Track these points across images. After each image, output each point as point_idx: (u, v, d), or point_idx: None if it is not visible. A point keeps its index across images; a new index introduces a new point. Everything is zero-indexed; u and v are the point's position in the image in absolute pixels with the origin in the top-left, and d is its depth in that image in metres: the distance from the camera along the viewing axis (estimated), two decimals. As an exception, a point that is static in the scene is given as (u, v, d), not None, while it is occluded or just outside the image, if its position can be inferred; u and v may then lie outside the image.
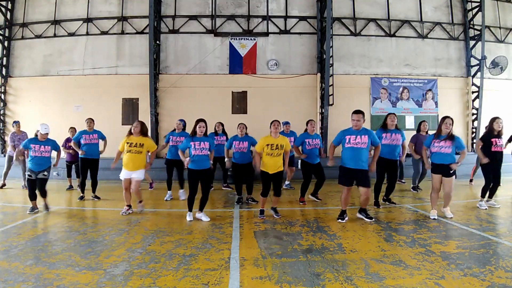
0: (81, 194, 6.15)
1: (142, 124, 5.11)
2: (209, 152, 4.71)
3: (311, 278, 2.74)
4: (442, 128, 4.69)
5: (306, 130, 5.78)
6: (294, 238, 3.83)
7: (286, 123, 7.18)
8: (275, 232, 4.11)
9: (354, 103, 10.37)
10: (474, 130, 10.78)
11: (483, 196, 5.35)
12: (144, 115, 9.96)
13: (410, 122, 10.57)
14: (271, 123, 4.74)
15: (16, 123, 7.71)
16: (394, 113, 5.59)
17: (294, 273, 2.84)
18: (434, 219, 4.59)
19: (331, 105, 10.07)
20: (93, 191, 6.22)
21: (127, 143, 4.94)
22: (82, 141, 6.10)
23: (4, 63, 10.33)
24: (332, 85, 10.09)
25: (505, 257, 3.19)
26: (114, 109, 10.11)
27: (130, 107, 10.28)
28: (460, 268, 2.91)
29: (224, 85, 10.32)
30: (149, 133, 9.61)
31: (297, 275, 2.81)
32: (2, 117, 10.35)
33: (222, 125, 7.36)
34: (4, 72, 10.33)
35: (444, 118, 4.71)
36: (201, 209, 4.69)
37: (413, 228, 4.27)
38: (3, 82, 10.32)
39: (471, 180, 8.02)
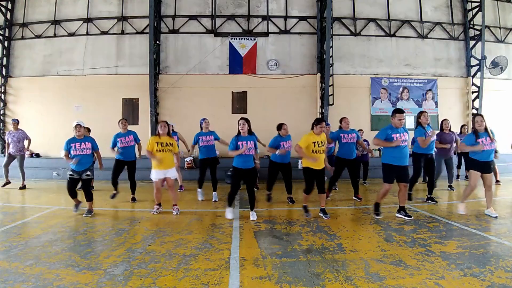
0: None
1: (167, 124, 5.21)
2: (254, 152, 4.72)
3: (311, 278, 2.74)
4: (476, 127, 4.71)
5: (340, 127, 6.05)
6: (294, 238, 3.83)
7: (328, 125, 7.08)
8: (275, 232, 4.11)
9: (354, 103, 10.43)
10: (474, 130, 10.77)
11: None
12: (144, 115, 9.99)
13: (410, 122, 10.57)
14: (314, 123, 4.73)
15: (15, 121, 7.73)
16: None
17: (294, 273, 2.84)
18: (496, 217, 4.65)
19: (331, 105, 10.07)
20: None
21: (157, 143, 4.98)
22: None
23: (4, 63, 10.35)
24: (332, 85, 10.10)
25: (505, 257, 3.18)
26: (114, 109, 10.11)
27: (130, 107, 10.29)
28: (460, 268, 2.91)
29: (224, 85, 10.32)
30: (149, 133, 9.74)
31: (297, 275, 2.81)
32: (2, 117, 10.36)
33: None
34: (4, 72, 10.34)
35: (475, 116, 4.79)
36: (252, 208, 4.79)
37: (413, 228, 4.27)
38: (3, 82, 10.33)
39: (497, 181, 7.65)
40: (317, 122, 4.71)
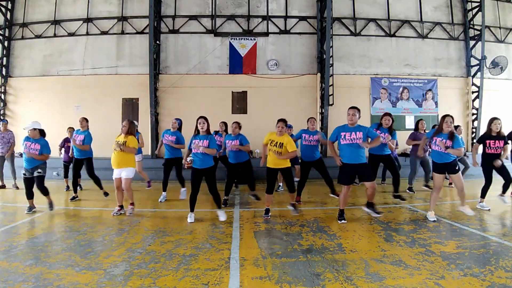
0: (74, 194, 6.21)
1: (130, 123, 5.12)
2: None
3: (311, 278, 2.74)
4: (443, 126, 4.61)
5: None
6: (294, 238, 3.83)
7: (289, 127, 6.98)
8: (275, 232, 4.11)
9: (354, 103, 10.27)
10: (474, 130, 10.79)
11: (482, 196, 5.30)
12: (144, 115, 9.98)
13: (410, 122, 10.57)
14: (277, 123, 4.72)
15: (4, 121, 7.75)
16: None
17: (294, 273, 2.84)
18: (434, 221, 4.54)
19: (331, 105, 10.07)
20: (100, 188, 6.32)
21: (115, 141, 4.99)
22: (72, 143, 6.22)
23: (4, 63, 10.35)
24: (332, 85, 10.10)
25: (505, 257, 3.18)
26: (114, 109, 10.12)
27: (130, 107, 10.29)
28: (460, 268, 2.91)
29: (224, 85, 10.32)
30: (150, 133, 9.74)
31: (297, 275, 2.81)
32: (2, 117, 10.35)
33: (225, 125, 7.07)
34: (4, 72, 10.34)
35: (445, 116, 4.65)
36: (218, 206, 4.76)
37: (413, 228, 4.27)
38: (3, 82, 10.33)
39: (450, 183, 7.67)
40: (277, 121, 4.71)
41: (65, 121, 9.02)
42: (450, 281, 2.65)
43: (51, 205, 5.18)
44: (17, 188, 7.39)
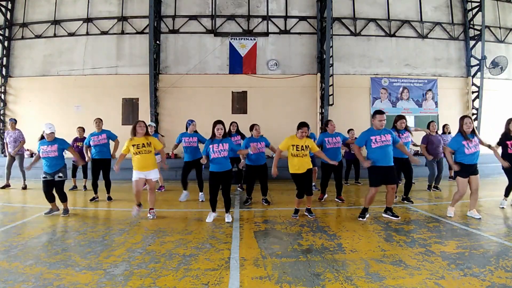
0: (94, 195, 6.09)
1: (145, 124, 4.98)
2: (227, 154, 4.55)
3: (311, 278, 2.73)
4: (464, 129, 4.54)
5: (326, 130, 5.97)
6: (294, 238, 3.83)
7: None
8: (275, 232, 4.11)
9: (354, 103, 10.44)
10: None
11: (506, 195, 5.33)
12: (144, 115, 9.98)
13: (410, 122, 10.56)
14: (300, 127, 4.65)
15: (12, 120, 7.73)
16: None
17: (294, 273, 2.84)
18: (451, 216, 4.64)
19: (331, 105, 10.07)
20: (108, 191, 6.16)
21: (133, 145, 4.71)
22: (92, 143, 6.08)
23: (4, 63, 10.36)
24: (332, 85, 10.10)
25: (505, 257, 3.18)
26: (114, 109, 10.12)
27: (130, 107, 10.29)
28: (460, 268, 2.91)
29: (224, 85, 10.32)
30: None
31: (297, 275, 2.80)
32: (2, 117, 10.36)
33: (237, 125, 7.03)
34: (4, 72, 10.34)
35: (464, 117, 4.59)
36: (227, 210, 4.71)
37: (413, 228, 4.27)
38: (3, 82, 10.33)
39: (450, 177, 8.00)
40: (299, 126, 4.66)
41: (65, 121, 9.03)
42: (450, 281, 2.65)
43: (66, 211, 5.01)
44: (24, 188, 7.36)
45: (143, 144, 4.71)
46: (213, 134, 4.55)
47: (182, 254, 3.32)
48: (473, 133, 4.57)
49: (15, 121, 7.77)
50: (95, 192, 6.11)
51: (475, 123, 10.69)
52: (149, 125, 7.45)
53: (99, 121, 6.21)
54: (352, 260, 3.14)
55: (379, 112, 4.59)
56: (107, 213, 5.12)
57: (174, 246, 3.56)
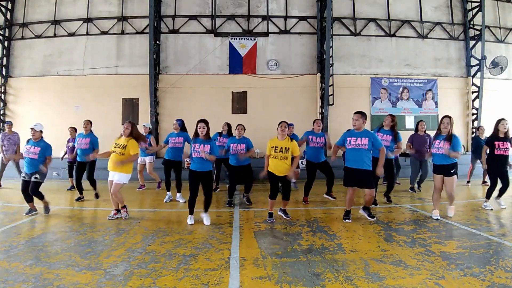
0: (80, 195, 6.17)
1: (133, 126, 4.88)
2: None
3: (311, 278, 2.74)
4: (441, 128, 4.66)
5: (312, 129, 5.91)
6: (294, 238, 3.83)
7: (290, 125, 7.02)
8: (275, 232, 4.11)
9: (354, 103, 10.41)
10: (474, 130, 10.78)
11: (487, 197, 5.33)
12: (144, 115, 9.98)
13: (410, 122, 10.58)
14: (278, 124, 4.63)
15: (8, 123, 7.72)
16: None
17: (294, 273, 2.84)
18: (437, 219, 4.59)
19: (331, 105, 10.07)
20: (94, 189, 6.23)
21: (114, 143, 4.81)
22: (76, 145, 6.12)
23: (4, 63, 10.35)
24: (332, 85, 10.10)
25: (505, 257, 3.19)
26: (114, 109, 10.11)
27: (130, 107, 10.28)
28: (460, 268, 2.91)
29: (224, 85, 10.32)
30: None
31: (297, 275, 2.81)
32: (2, 117, 10.36)
33: (229, 126, 6.88)
34: (4, 72, 10.33)
35: (442, 117, 4.69)
36: (205, 210, 4.60)
37: (413, 228, 4.27)
38: (3, 82, 10.32)
39: (468, 182, 7.88)
40: (279, 123, 4.62)
41: (65, 121, 9.02)
42: (450, 281, 2.65)
43: (47, 209, 5.06)
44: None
45: (120, 145, 4.76)
46: (196, 133, 4.53)
47: (182, 254, 3.32)
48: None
49: (11, 124, 7.79)
50: (80, 193, 6.18)
51: (475, 123, 10.70)
52: (143, 125, 7.47)
53: (87, 123, 6.14)
54: (352, 260, 3.14)
55: (356, 112, 4.57)
56: (107, 213, 5.11)
57: (174, 246, 3.56)
